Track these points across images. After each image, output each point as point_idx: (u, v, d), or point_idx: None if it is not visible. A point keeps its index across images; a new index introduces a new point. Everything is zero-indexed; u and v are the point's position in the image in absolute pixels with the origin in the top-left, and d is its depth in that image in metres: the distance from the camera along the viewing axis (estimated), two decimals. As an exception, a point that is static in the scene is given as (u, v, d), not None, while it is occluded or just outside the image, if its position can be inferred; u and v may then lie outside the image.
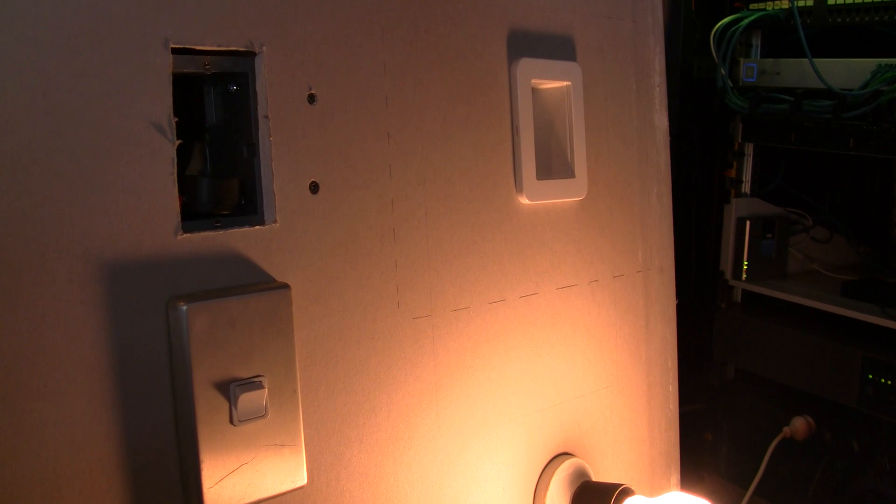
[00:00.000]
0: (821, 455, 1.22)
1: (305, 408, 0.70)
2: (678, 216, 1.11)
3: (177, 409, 0.63)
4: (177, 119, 0.62)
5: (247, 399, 0.64)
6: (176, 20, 0.62)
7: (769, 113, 1.18)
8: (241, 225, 0.67)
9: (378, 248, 0.76)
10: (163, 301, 0.62)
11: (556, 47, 0.91)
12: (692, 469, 1.35)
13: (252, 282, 0.67)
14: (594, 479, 0.95)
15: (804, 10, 1.14)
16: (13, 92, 0.55)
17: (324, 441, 0.72)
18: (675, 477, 1.10)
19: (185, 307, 0.61)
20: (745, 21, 1.19)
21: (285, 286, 0.67)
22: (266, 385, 0.65)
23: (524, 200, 0.87)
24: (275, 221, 0.68)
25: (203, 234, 0.64)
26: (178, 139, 0.62)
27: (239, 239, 0.66)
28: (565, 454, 0.94)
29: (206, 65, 0.65)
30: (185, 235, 0.63)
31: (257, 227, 0.68)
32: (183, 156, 0.66)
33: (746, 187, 1.34)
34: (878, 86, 1.03)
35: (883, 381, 1.09)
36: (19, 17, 0.55)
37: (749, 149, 1.33)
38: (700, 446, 1.39)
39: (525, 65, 0.86)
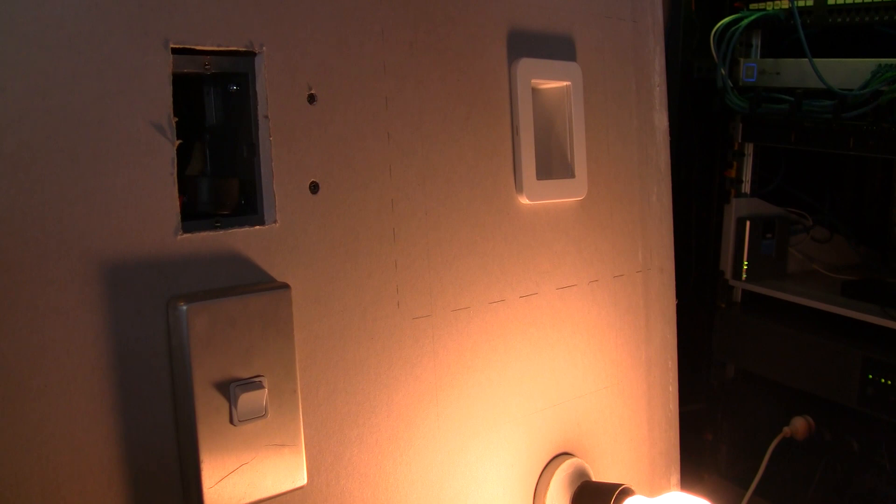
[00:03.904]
0: (821, 455, 1.22)
1: (305, 408, 0.70)
2: (678, 216, 1.11)
3: (177, 409, 0.63)
4: (177, 119, 0.62)
5: (247, 399, 0.64)
6: (176, 20, 0.62)
7: (769, 113, 1.18)
8: (241, 225, 0.67)
9: (378, 248, 0.76)
10: (163, 301, 0.62)
11: (556, 47, 0.91)
12: (692, 469, 1.35)
13: (252, 282, 0.67)
14: (594, 479, 0.95)
15: (804, 10, 1.14)
16: (13, 92, 0.55)
17: (324, 441, 0.72)
18: (675, 477, 1.10)
19: (185, 307, 0.61)
20: (745, 21, 1.19)
21: (285, 286, 0.67)
22: (266, 385, 0.65)
23: (524, 200, 0.87)
24: (275, 221, 0.68)
25: (203, 234, 0.64)
26: (178, 139, 0.62)
27: (239, 239, 0.66)
28: (565, 454, 0.94)
29: (206, 65, 0.65)
30: (185, 235, 0.63)
31: (257, 227, 0.68)
32: (183, 156, 0.66)
33: (746, 187, 1.34)
34: (878, 86, 1.03)
35: (883, 381, 1.09)
36: (19, 16, 0.55)
37: (749, 149, 1.33)
38: (700, 446, 1.39)
39: (525, 65, 0.86)
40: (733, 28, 1.19)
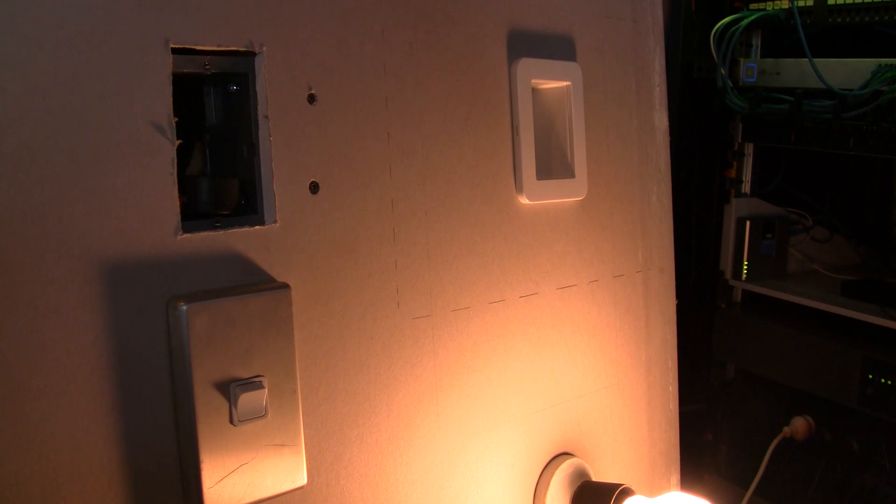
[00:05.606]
0: (821, 455, 1.22)
1: (305, 408, 0.70)
2: (678, 216, 1.11)
3: (177, 409, 0.63)
4: (177, 119, 0.62)
5: (247, 399, 0.64)
6: (176, 20, 0.62)
7: (769, 113, 1.18)
8: (241, 225, 0.67)
9: (378, 248, 0.76)
10: (163, 301, 0.62)
11: (556, 47, 0.91)
12: (692, 469, 1.35)
13: (252, 282, 0.67)
14: (594, 479, 0.95)
15: (804, 10, 1.14)
16: (13, 92, 0.55)
17: (324, 441, 0.72)
18: (675, 477, 1.10)
19: (185, 307, 0.61)
20: (745, 21, 1.19)
21: (285, 286, 0.67)
22: (266, 385, 0.65)
23: (524, 200, 0.87)
24: (275, 221, 0.68)
25: (203, 234, 0.64)
26: (178, 139, 0.62)
27: (239, 239, 0.66)
28: (565, 454, 0.94)
29: (206, 65, 0.65)
30: (185, 235, 0.63)
31: (257, 227, 0.68)
32: (183, 156, 0.66)
33: (746, 187, 1.34)
34: (878, 86, 1.03)
35: (883, 381, 1.09)
36: (19, 16, 0.55)
37: (749, 149, 1.33)
38: (700, 446, 1.39)
39: (525, 65, 0.86)
40: (733, 28, 1.19)
